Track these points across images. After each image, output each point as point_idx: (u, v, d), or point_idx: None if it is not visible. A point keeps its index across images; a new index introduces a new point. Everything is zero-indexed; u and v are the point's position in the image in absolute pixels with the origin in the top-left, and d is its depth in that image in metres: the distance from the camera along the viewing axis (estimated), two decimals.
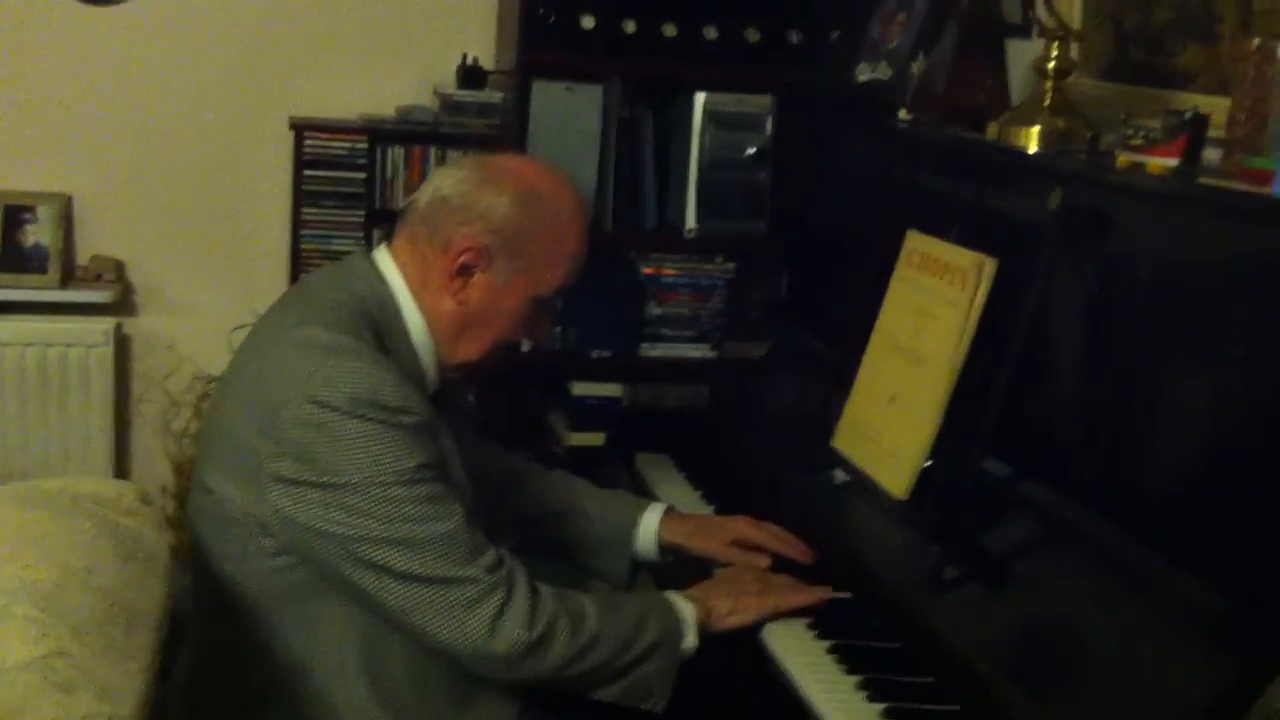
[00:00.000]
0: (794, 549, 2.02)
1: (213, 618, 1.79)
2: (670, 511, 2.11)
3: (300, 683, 1.72)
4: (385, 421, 1.63)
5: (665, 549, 2.08)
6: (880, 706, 1.63)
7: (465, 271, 1.77)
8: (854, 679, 1.69)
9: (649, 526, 2.08)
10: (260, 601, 1.72)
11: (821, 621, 1.84)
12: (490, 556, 1.67)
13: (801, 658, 1.76)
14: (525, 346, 3.17)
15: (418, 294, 1.78)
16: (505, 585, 1.66)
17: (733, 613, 1.84)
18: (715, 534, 2.06)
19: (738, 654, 1.84)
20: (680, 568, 2.07)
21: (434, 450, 1.68)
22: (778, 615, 1.85)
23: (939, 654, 1.69)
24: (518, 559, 1.71)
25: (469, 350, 1.81)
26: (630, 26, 3.12)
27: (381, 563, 1.63)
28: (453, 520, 1.65)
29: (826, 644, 1.78)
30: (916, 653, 1.74)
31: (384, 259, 1.80)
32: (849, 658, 1.74)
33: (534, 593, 1.69)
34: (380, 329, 1.74)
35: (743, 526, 2.06)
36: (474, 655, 1.66)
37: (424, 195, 1.80)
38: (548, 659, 1.68)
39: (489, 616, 1.64)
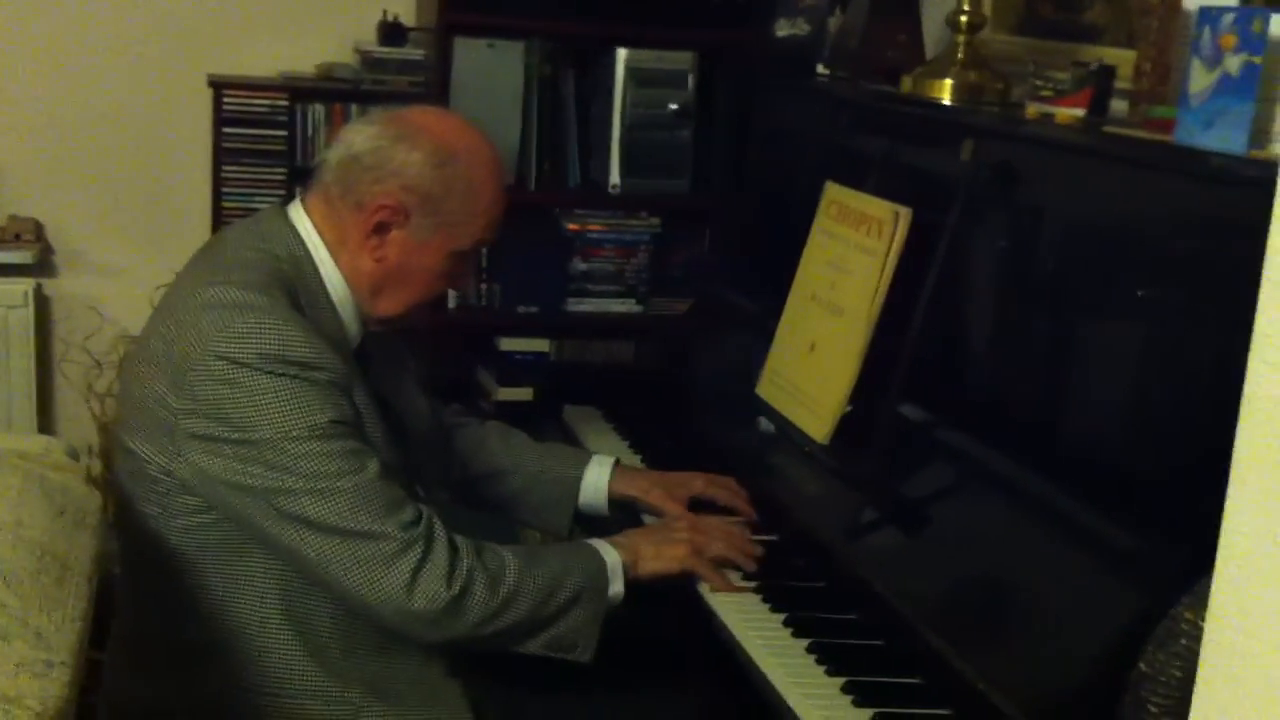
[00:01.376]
0: (747, 507, 2.02)
1: (141, 578, 1.79)
2: (620, 465, 2.09)
3: (230, 638, 1.72)
4: (295, 376, 1.63)
5: (615, 502, 2.06)
6: (806, 642, 1.67)
7: (381, 230, 1.74)
8: (780, 616, 1.74)
9: (598, 480, 2.06)
10: (184, 559, 1.71)
11: None
12: (408, 513, 1.65)
13: (729, 597, 1.80)
14: (451, 300, 3.20)
15: (335, 252, 1.76)
16: (423, 541, 1.64)
17: (658, 558, 1.82)
18: (673, 490, 2.04)
19: (669, 598, 1.85)
20: (620, 522, 2.04)
21: (347, 407, 1.67)
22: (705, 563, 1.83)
23: (862, 592, 1.74)
24: (437, 515, 1.69)
25: (390, 306, 1.80)
26: None
27: (298, 514, 1.62)
28: (367, 474, 1.64)
29: (754, 584, 1.82)
30: (840, 591, 1.79)
31: (299, 216, 1.77)
32: (774, 596, 1.79)
33: (453, 549, 1.66)
34: (295, 287, 1.72)
35: (700, 483, 2.05)
36: (394, 613, 1.64)
37: (335, 152, 1.76)
38: (469, 616, 1.65)
39: (406, 572, 1.62)
